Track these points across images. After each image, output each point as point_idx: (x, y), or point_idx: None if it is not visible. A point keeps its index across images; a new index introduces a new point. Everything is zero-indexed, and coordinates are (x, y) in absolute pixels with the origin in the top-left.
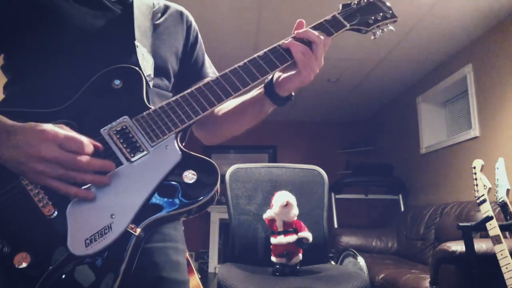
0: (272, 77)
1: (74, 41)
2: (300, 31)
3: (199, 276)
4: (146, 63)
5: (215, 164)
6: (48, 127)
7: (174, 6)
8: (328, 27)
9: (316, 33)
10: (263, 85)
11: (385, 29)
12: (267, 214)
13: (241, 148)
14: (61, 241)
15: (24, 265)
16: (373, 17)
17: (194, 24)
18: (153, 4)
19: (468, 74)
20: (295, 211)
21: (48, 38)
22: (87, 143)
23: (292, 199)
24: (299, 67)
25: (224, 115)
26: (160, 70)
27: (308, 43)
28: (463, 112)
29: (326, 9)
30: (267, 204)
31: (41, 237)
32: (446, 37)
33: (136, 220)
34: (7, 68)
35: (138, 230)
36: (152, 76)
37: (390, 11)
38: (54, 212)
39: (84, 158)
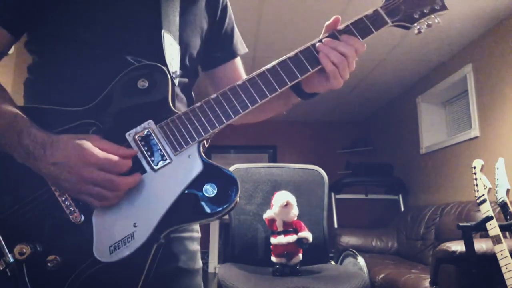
0: None
1: (98, 27)
2: (333, 43)
3: None
4: (172, 55)
5: (236, 177)
6: (87, 146)
7: None
8: (368, 25)
9: (347, 47)
10: None
11: (432, 23)
12: (267, 214)
13: (241, 148)
14: (88, 246)
15: (54, 267)
16: (419, 11)
17: None
18: None
19: (468, 74)
20: (295, 211)
21: (71, 22)
22: (124, 162)
23: (292, 199)
24: (331, 79)
25: None
26: (185, 57)
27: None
28: (463, 112)
29: (326, 8)
30: (267, 204)
31: (70, 242)
32: (446, 37)
33: (158, 230)
34: (29, 48)
35: (160, 238)
36: (178, 73)
37: (440, 2)
38: (81, 219)
39: (121, 180)
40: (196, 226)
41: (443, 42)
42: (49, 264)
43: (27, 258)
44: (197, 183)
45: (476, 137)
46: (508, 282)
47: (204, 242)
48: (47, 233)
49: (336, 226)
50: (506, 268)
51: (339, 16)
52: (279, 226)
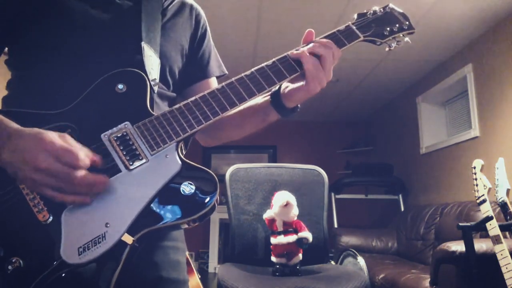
0: (280, 88)
1: (78, 39)
2: (310, 46)
3: (199, 276)
4: (152, 65)
5: (215, 176)
6: (48, 136)
7: (184, 0)
8: (341, 38)
9: (323, 48)
10: (269, 93)
11: (400, 41)
12: (267, 214)
13: (241, 148)
14: (55, 248)
15: (16, 270)
16: (388, 28)
17: (203, 20)
18: None
19: (468, 74)
20: (295, 211)
21: (52, 34)
22: (83, 157)
23: (292, 199)
24: (308, 79)
25: (227, 120)
26: (165, 70)
27: (317, 56)
28: (463, 112)
29: (326, 9)
30: (267, 204)
31: (35, 243)
32: (446, 37)
33: (131, 230)
34: (9, 63)
35: (133, 240)
36: (157, 80)
37: (407, 22)
38: (49, 218)
39: (77, 173)
40: (181, 236)
41: (443, 42)
42: (9, 267)
43: None
44: (175, 182)
45: (476, 137)
46: (508, 282)
47: (204, 242)
48: (10, 233)
49: (336, 226)
50: (506, 268)
51: (312, 30)
52: (279, 226)
